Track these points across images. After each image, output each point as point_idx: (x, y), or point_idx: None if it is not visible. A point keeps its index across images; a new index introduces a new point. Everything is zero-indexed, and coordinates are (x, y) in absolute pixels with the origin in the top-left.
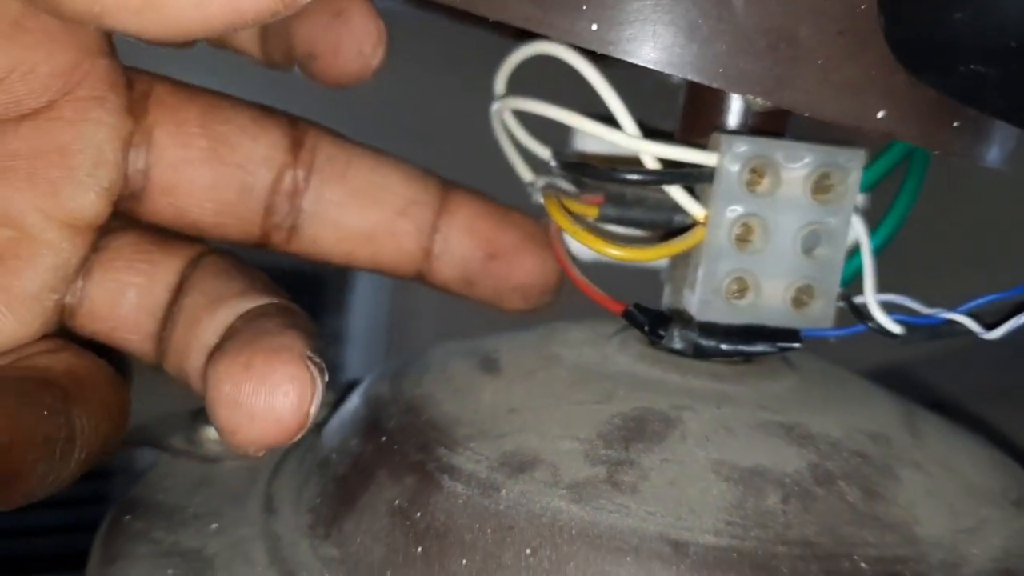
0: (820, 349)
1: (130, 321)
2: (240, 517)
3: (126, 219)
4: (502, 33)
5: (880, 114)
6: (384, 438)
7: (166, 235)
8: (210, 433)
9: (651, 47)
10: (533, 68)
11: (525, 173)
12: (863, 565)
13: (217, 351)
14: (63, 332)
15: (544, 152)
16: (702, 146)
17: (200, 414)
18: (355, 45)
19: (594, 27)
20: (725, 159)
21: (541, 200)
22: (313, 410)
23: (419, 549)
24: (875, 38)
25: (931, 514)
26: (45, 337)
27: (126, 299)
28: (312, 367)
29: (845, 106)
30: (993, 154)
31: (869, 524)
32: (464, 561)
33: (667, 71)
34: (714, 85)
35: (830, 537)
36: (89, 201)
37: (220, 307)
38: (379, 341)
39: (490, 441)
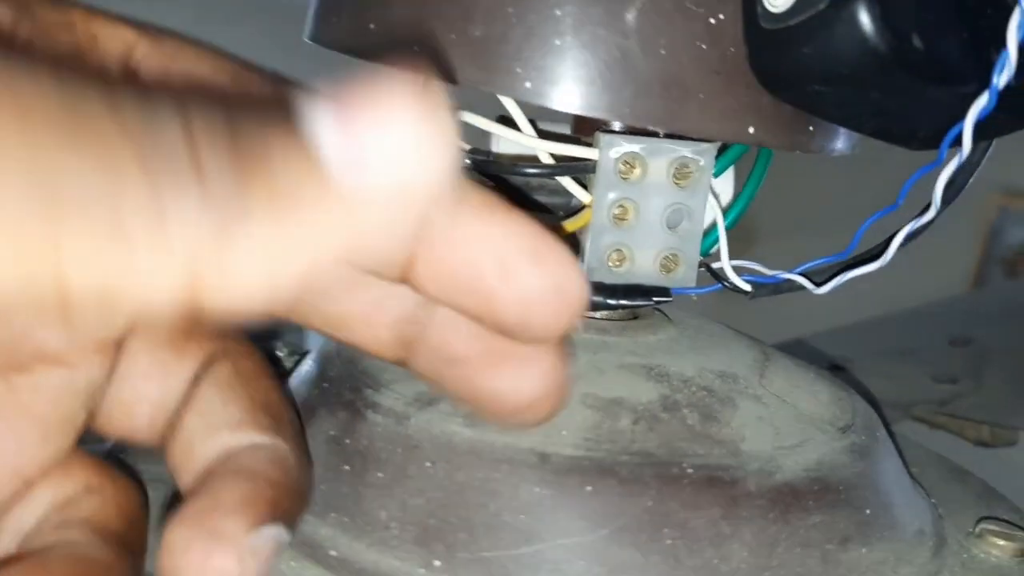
0: (740, 319)
1: (143, 426)
2: None
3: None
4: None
5: (751, 130)
6: (326, 384)
7: (181, 336)
8: None
9: (572, 97)
10: None
11: None
12: (689, 471)
13: (178, 516)
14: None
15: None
16: (589, 144)
17: None
18: None
19: (528, 85)
20: (603, 154)
21: None
22: None
23: (347, 467)
24: (742, 72)
25: (757, 435)
26: (82, 467)
27: (140, 409)
28: (247, 552)
29: (724, 128)
30: (841, 146)
31: (701, 440)
32: (380, 474)
33: (586, 114)
34: (624, 122)
35: (667, 450)
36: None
37: (213, 437)
38: None
39: (408, 384)
